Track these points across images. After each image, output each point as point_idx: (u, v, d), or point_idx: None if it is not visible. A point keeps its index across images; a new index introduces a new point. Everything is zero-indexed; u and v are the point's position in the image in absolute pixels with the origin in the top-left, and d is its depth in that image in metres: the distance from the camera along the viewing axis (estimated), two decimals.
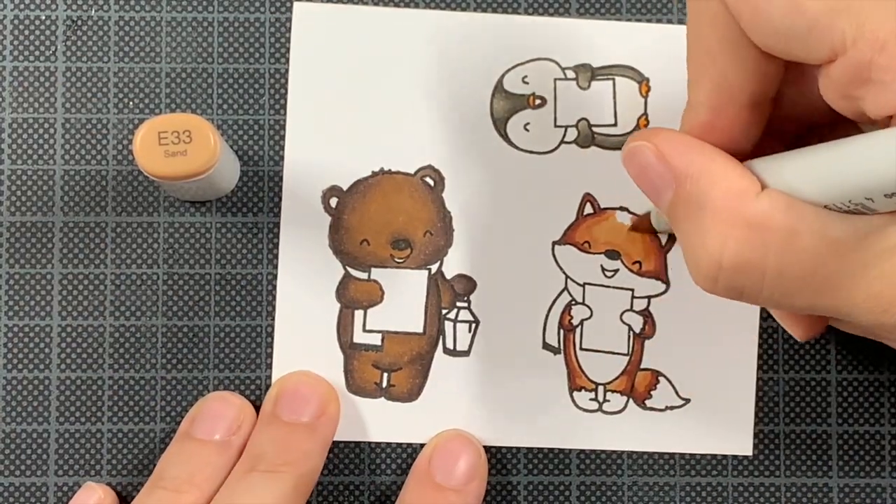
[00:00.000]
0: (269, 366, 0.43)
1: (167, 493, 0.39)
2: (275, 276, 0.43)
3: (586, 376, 0.43)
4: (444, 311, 0.43)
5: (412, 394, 0.43)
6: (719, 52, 0.32)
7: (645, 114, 0.43)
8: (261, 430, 0.41)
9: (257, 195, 0.43)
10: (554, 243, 0.43)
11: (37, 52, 0.43)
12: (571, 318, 0.43)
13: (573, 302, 0.43)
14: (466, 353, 0.43)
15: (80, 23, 0.43)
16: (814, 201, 0.31)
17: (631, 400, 0.43)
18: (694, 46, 0.33)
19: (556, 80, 0.43)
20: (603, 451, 0.43)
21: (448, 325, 0.43)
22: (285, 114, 0.43)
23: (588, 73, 0.43)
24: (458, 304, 0.43)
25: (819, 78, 0.31)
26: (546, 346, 0.43)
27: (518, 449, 0.43)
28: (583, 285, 0.43)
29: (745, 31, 0.31)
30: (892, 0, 0.29)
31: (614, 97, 0.43)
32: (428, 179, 0.43)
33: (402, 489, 0.42)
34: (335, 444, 0.43)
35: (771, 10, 0.30)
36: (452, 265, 0.43)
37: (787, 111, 0.34)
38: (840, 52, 0.29)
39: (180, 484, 0.39)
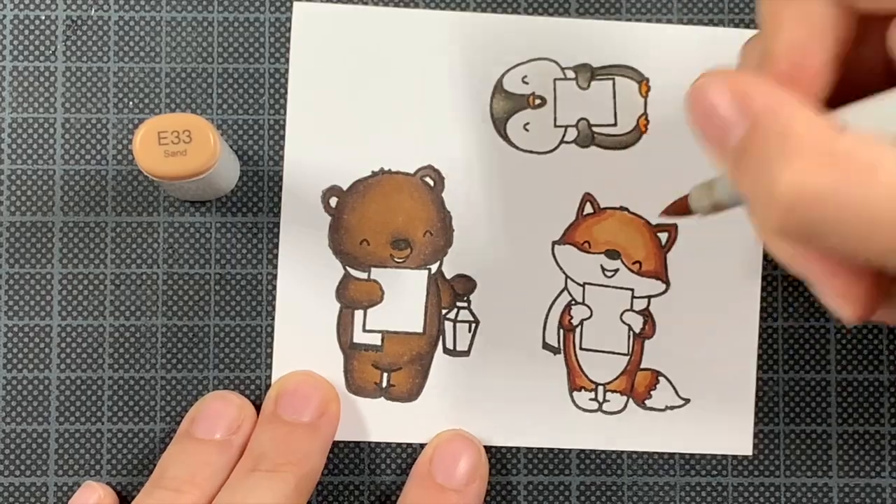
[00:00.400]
0: (269, 366, 0.43)
1: (168, 493, 0.39)
2: (275, 276, 0.43)
3: (586, 376, 0.43)
4: (444, 311, 0.43)
5: (412, 394, 0.43)
6: None
7: (645, 113, 0.43)
8: (262, 430, 0.41)
9: (257, 195, 0.43)
10: (554, 243, 0.43)
11: (37, 52, 0.43)
12: (571, 317, 0.43)
13: (573, 302, 0.43)
14: (466, 353, 0.43)
15: (80, 23, 0.43)
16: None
17: (631, 400, 0.43)
18: None
19: (555, 80, 0.43)
20: (603, 451, 0.43)
21: (448, 325, 0.43)
22: (285, 114, 0.43)
23: (588, 73, 0.43)
24: (458, 304, 0.43)
25: (889, 30, 0.29)
26: (546, 346, 0.43)
27: (518, 449, 0.43)
28: (583, 285, 0.43)
29: None
30: None
31: (614, 97, 0.43)
32: (428, 179, 0.43)
33: (402, 490, 0.42)
34: (335, 444, 0.43)
35: None
36: (452, 265, 0.43)
37: (845, 75, 0.33)
38: None
39: (181, 483, 0.39)
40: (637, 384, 0.43)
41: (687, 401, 0.43)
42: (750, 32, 0.43)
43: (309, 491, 0.41)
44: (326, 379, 0.42)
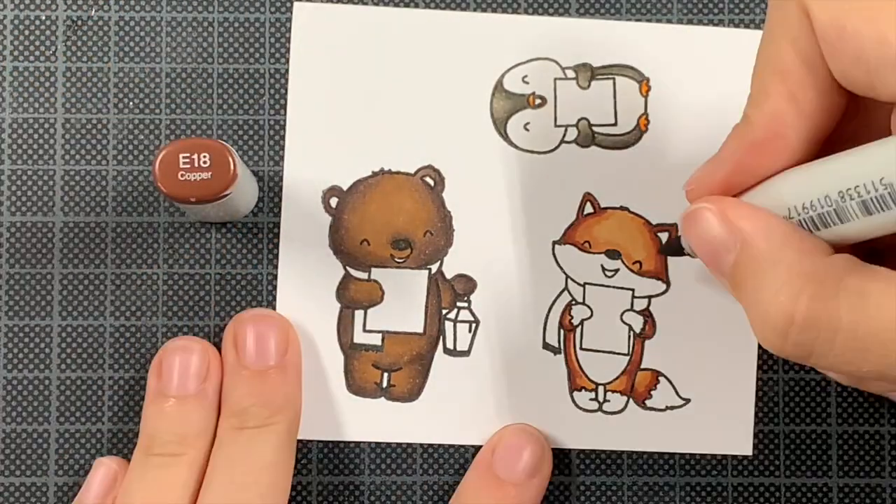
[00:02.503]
0: None
1: (164, 460, 0.40)
2: (275, 276, 0.43)
3: (586, 376, 0.43)
4: (444, 311, 0.43)
5: (412, 394, 0.43)
6: (793, 73, 0.31)
7: (645, 113, 0.43)
8: (234, 384, 0.41)
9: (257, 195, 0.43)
10: (554, 243, 0.43)
11: (37, 52, 0.43)
12: (572, 317, 0.43)
13: (573, 302, 0.43)
14: (466, 353, 0.43)
15: (80, 23, 0.43)
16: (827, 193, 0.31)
17: (631, 400, 0.43)
18: (765, 62, 0.32)
19: (556, 79, 0.43)
20: (603, 451, 0.43)
21: (448, 325, 0.43)
22: (285, 114, 0.43)
23: (588, 73, 0.43)
24: (459, 304, 0.43)
25: (893, 115, 0.30)
26: (546, 346, 0.43)
27: None
28: (583, 285, 0.43)
29: (825, 56, 0.30)
30: None
31: (614, 97, 0.43)
32: (428, 179, 0.43)
33: (462, 479, 0.42)
34: (335, 444, 0.43)
35: (857, 38, 0.29)
36: (452, 265, 0.43)
37: (836, 146, 0.33)
38: None
39: (174, 447, 0.40)
40: (637, 384, 0.43)
41: (687, 401, 0.43)
42: (750, 32, 0.43)
43: (298, 427, 0.41)
44: (272, 310, 0.42)
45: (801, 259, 0.31)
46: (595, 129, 0.43)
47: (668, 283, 0.43)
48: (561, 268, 0.43)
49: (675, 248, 0.39)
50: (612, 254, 0.43)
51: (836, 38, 0.30)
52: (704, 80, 0.43)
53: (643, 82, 0.43)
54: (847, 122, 0.33)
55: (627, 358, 0.43)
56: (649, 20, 0.43)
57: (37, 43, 0.43)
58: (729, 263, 0.33)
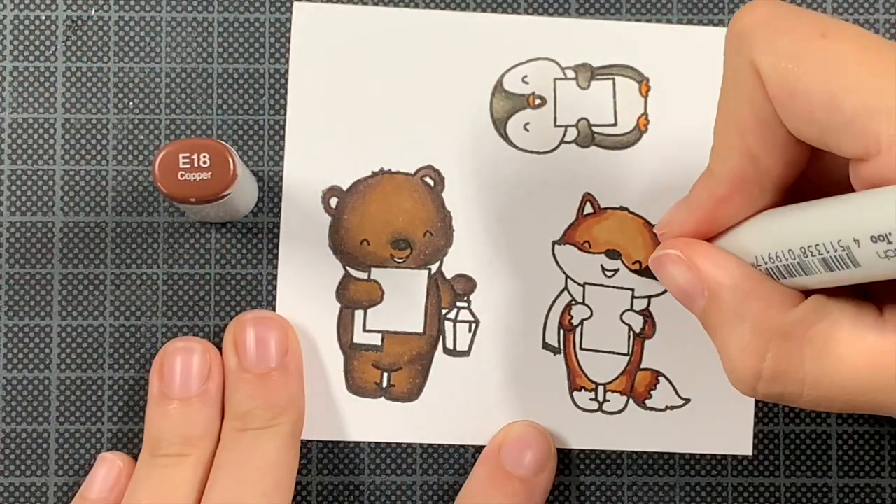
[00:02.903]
0: None
1: (169, 460, 0.40)
2: (275, 276, 0.43)
3: (586, 376, 0.43)
4: (444, 311, 0.43)
5: (412, 394, 0.43)
6: (751, 131, 0.32)
7: (645, 113, 0.43)
8: (236, 388, 0.41)
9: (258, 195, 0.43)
10: (554, 243, 0.43)
11: (37, 52, 0.43)
12: (571, 317, 0.43)
13: (573, 302, 0.43)
14: (466, 353, 0.43)
15: (80, 23, 0.43)
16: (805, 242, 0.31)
17: (631, 400, 0.43)
18: (724, 118, 0.33)
19: (556, 79, 0.43)
20: (603, 451, 0.43)
21: (448, 325, 0.43)
22: (285, 114, 0.43)
23: (588, 73, 0.43)
24: (458, 304, 0.43)
25: (850, 167, 0.30)
26: (546, 346, 0.43)
27: None
28: (583, 285, 0.43)
29: (779, 114, 0.31)
30: None
31: (614, 97, 0.43)
32: (428, 179, 0.43)
33: (470, 473, 0.42)
34: (335, 444, 0.43)
35: (809, 100, 0.30)
36: (452, 265, 0.43)
37: (804, 190, 0.34)
38: (874, 153, 0.29)
39: (179, 448, 0.40)
40: (637, 384, 0.43)
41: (687, 401, 0.43)
42: None
43: (301, 428, 0.42)
44: (270, 311, 0.42)
45: (767, 313, 0.32)
46: (595, 129, 0.43)
47: None
48: (561, 268, 0.43)
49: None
50: (612, 254, 0.43)
51: (787, 98, 0.30)
52: (704, 80, 0.43)
53: (643, 82, 0.43)
54: (812, 165, 0.33)
55: (627, 358, 0.43)
56: (649, 20, 0.43)
57: (37, 43, 0.43)
58: (699, 309, 0.34)
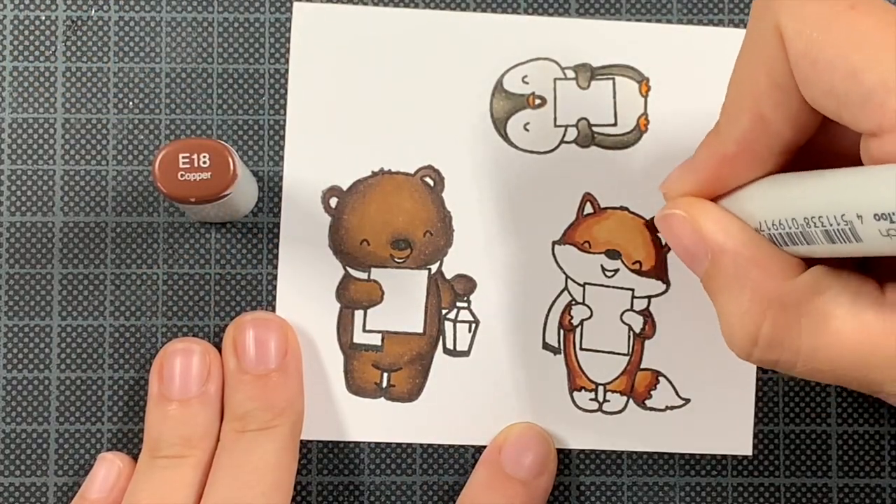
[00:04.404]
0: None
1: (169, 461, 0.40)
2: (275, 276, 0.43)
3: (586, 376, 0.43)
4: (444, 311, 0.43)
5: (412, 394, 0.43)
6: (766, 93, 0.32)
7: (645, 113, 0.43)
8: (235, 389, 0.41)
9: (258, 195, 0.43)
10: (554, 243, 0.43)
11: (37, 52, 0.43)
12: (571, 317, 0.43)
13: (573, 302, 0.43)
14: (466, 353, 0.43)
15: (80, 23, 0.43)
16: (803, 213, 0.31)
17: (631, 400, 0.43)
18: (740, 80, 0.33)
19: (555, 79, 0.43)
20: (603, 451, 0.43)
21: (448, 325, 0.43)
22: (285, 114, 0.43)
23: (588, 73, 0.43)
24: (458, 304, 0.43)
25: (861, 142, 0.30)
26: (546, 346, 0.43)
27: None
28: (583, 285, 0.43)
29: (798, 82, 0.31)
30: None
31: (614, 97, 0.43)
32: (428, 179, 0.43)
33: (470, 475, 0.42)
34: (335, 444, 0.43)
35: (830, 70, 0.29)
36: (452, 265, 0.43)
37: (811, 156, 0.34)
38: (887, 129, 0.29)
39: (179, 450, 0.40)
40: (637, 384, 0.43)
41: (687, 401, 0.43)
42: None
43: (300, 429, 0.42)
44: (270, 312, 0.42)
45: (767, 281, 0.32)
46: (595, 129, 0.43)
47: (667, 283, 0.43)
48: (561, 268, 0.43)
49: None
50: (612, 254, 0.43)
51: (808, 67, 0.30)
52: (704, 80, 0.43)
53: (643, 82, 0.43)
54: (821, 134, 0.33)
55: (627, 358, 0.43)
56: (649, 20, 0.43)
57: (37, 43, 0.43)
58: (701, 270, 0.34)
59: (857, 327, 0.31)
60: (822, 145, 0.34)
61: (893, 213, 0.28)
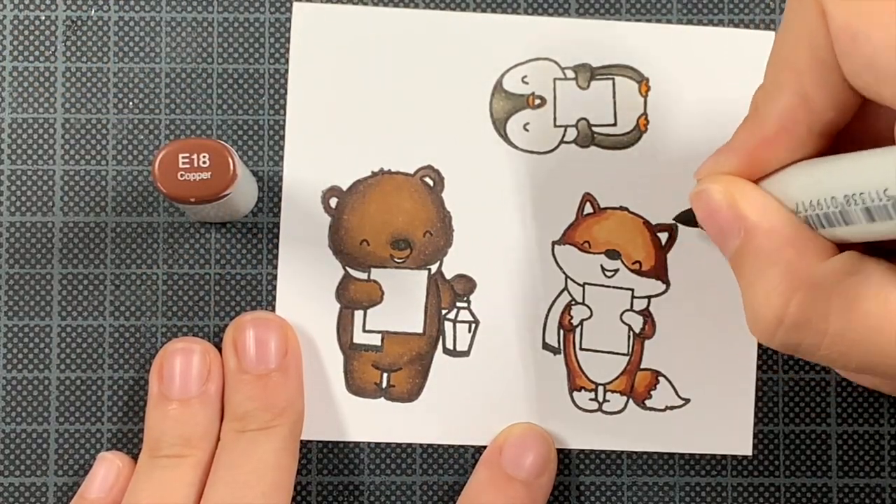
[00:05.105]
0: None
1: (169, 461, 0.40)
2: (275, 276, 0.43)
3: (586, 376, 0.43)
4: (444, 312, 0.43)
5: (412, 394, 0.43)
6: (807, 71, 0.31)
7: (644, 113, 0.43)
8: (237, 389, 0.41)
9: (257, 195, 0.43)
10: (554, 243, 0.43)
11: (37, 52, 0.43)
12: (571, 318, 0.43)
13: (573, 302, 0.43)
14: (466, 353, 0.43)
15: (80, 23, 0.43)
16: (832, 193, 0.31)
17: (631, 400, 0.43)
18: (780, 57, 0.32)
19: (555, 79, 0.43)
20: (603, 451, 0.43)
21: (448, 325, 0.43)
22: (285, 114, 0.43)
23: (588, 73, 0.43)
24: (458, 304, 0.43)
25: None
26: (546, 346, 0.43)
27: None
28: (583, 285, 0.43)
29: (838, 57, 0.30)
30: None
31: (614, 97, 0.43)
32: (428, 179, 0.43)
33: (471, 475, 0.42)
34: (335, 444, 0.43)
35: (869, 44, 0.29)
36: (452, 265, 0.43)
37: (849, 142, 0.34)
38: None
39: (179, 449, 0.40)
40: (637, 384, 0.43)
41: (687, 401, 0.43)
42: (749, 32, 0.43)
43: (300, 430, 0.42)
44: (270, 312, 0.42)
45: (800, 261, 0.32)
46: (595, 129, 0.43)
47: (667, 283, 0.43)
48: (561, 268, 0.43)
49: (689, 217, 0.39)
50: (612, 254, 0.43)
51: (849, 41, 0.30)
52: (704, 80, 0.43)
53: (643, 82, 0.43)
54: (861, 118, 0.33)
55: (627, 358, 0.43)
56: (649, 20, 0.43)
57: (36, 43, 0.43)
58: (733, 247, 0.33)
59: (887, 311, 0.30)
60: (860, 131, 0.33)
61: None
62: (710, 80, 0.43)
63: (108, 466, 0.41)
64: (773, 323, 0.32)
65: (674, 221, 0.42)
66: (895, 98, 0.29)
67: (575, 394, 0.43)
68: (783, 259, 0.32)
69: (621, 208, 0.43)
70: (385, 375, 0.43)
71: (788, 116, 0.32)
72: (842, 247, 0.32)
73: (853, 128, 0.33)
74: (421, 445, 0.43)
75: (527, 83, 0.43)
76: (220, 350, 0.42)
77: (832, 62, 0.31)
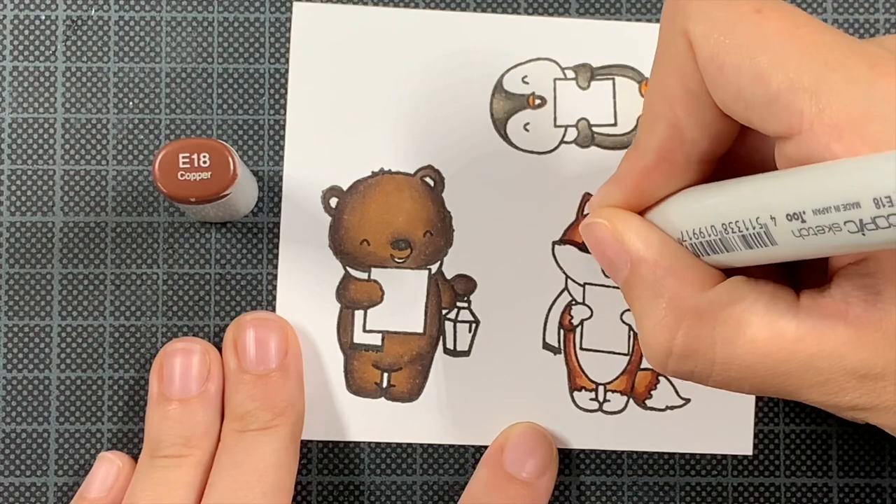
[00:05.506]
0: None
1: (169, 461, 0.40)
2: (275, 276, 0.43)
3: (586, 376, 0.43)
4: (444, 311, 0.43)
5: (412, 394, 0.43)
6: (679, 102, 0.32)
7: None
8: (236, 389, 0.41)
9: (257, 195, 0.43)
10: (554, 243, 0.43)
11: (37, 52, 0.43)
12: (571, 317, 0.43)
13: (573, 302, 0.43)
14: (466, 353, 0.43)
15: (80, 23, 0.43)
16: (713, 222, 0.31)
17: (631, 400, 0.43)
18: (654, 88, 0.33)
19: (555, 79, 0.43)
20: (603, 451, 0.43)
21: (448, 325, 0.43)
22: (285, 114, 0.43)
23: (588, 73, 0.43)
24: (459, 304, 0.43)
25: (775, 146, 0.30)
26: (546, 346, 0.43)
27: None
28: (583, 285, 0.43)
29: (708, 88, 0.31)
30: (859, 85, 0.28)
31: (614, 97, 0.43)
32: (428, 179, 0.43)
33: (472, 475, 0.42)
34: (335, 444, 0.43)
35: (736, 74, 0.29)
36: (452, 265, 0.43)
37: (732, 165, 0.34)
38: (796, 131, 0.28)
39: (179, 449, 0.40)
40: (637, 384, 0.43)
41: (687, 401, 0.43)
42: None
43: (301, 430, 0.42)
44: (270, 312, 0.42)
45: (683, 291, 0.32)
46: (595, 129, 0.43)
47: None
48: (561, 268, 0.43)
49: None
50: None
51: (716, 71, 0.30)
52: None
53: (643, 82, 0.43)
54: (740, 143, 0.33)
55: (627, 358, 0.43)
56: (649, 20, 0.43)
57: (37, 43, 0.43)
58: (621, 279, 0.34)
59: (772, 335, 0.30)
60: (743, 155, 0.34)
61: (804, 213, 0.28)
62: None
63: (108, 466, 0.41)
64: (663, 353, 0.32)
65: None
66: (765, 124, 0.30)
67: (575, 394, 0.43)
68: (667, 290, 0.32)
69: None
70: (385, 375, 0.43)
71: (665, 147, 0.33)
72: (730, 271, 0.32)
73: (739, 151, 0.33)
74: (421, 445, 0.43)
75: (527, 83, 0.43)
76: (220, 350, 0.42)
77: (703, 92, 0.31)
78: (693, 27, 0.30)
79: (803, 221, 0.28)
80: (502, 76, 0.43)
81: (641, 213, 0.35)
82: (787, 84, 0.28)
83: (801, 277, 0.34)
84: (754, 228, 0.30)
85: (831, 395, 0.31)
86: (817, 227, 0.28)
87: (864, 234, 0.27)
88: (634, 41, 0.43)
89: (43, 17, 0.43)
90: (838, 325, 0.30)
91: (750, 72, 0.29)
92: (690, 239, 0.32)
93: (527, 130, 0.43)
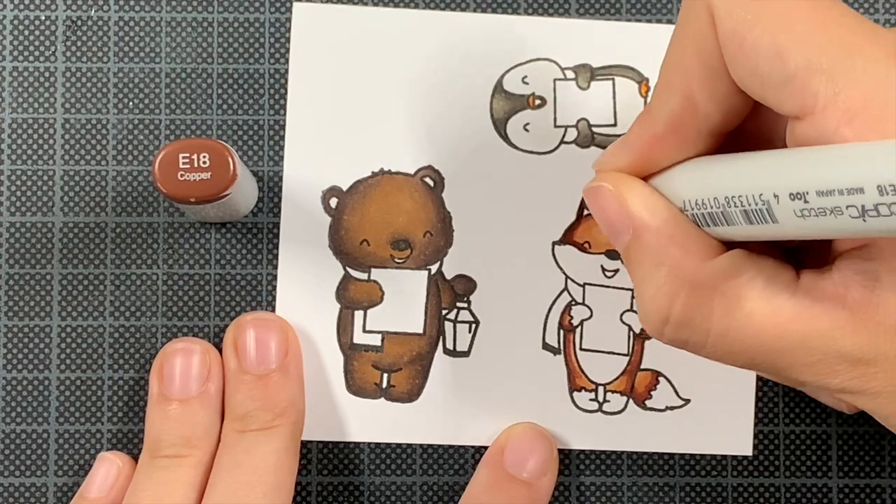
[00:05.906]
0: None
1: (170, 461, 0.40)
2: (275, 276, 0.43)
3: (586, 376, 0.43)
4: (444, 312, 0.43)
5: (412, 394, 0.43)
6: (695, 74, 0.32)
7: None
8: (236, 390, 0.41)
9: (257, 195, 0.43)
10: (554, 243, 0.43)
11: (37, 52, 0.43)
12: (571, 318, 0.43)
13: (573, 302, 0.43)
14: (466, 354, 0.43)
15: (80, 23, 0.43)
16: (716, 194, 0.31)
17: (631, 400, 0.43)
18: (671, 58, 0.33)
19: (555, 80, 0.43)
20: (603, 451, 0.43)
21: (448, 326, 0.43)
22: (285, 114, 0.43)
23: (588, 73, 0.43)
24: (458, 304, 0.43)
25: (787, 125, 0.30)
26: (546, 346, 0.43)
27: None
28: (583, 285, 0.43)
29: (727, 63, 0.31)
30: (876, 71, 0.28)
31: (614, 97, 0.43)
32: (428, 179, 0.43)
33: (473, 475, 0.42)
34: (335, 444, 0.43)
35: (755, 51, 0.30)
36: (452, 265, 0.43)
37: (741, 140, 0.34)
38: (809, 112, 0.29)
39: (179, 449, 0.40)
40: (637, 384, 0.43)
41: (687, 401, 0.43)
42: None
43: (301, 430, 0.42)
44: (270, 312, 0.42)
45: (684, 260, 0.32)
46: (595, 129, 0.43)
47: None
48: (561, 268, 0.43)
49: None
50: (612, 254, 0.43)
51: (736, 48, 0.30)
52: None
53: (643, 83, 0.43)
54: (752, 118, 0.33)
55: (627, 358, 0.43)
56: (649, 20, 0.43)
57: (36, 43, 0.43)
58: (623, 244, 0.34)
59: (769, 311, 0.31)
60: (754, 131, 0.34)
61: (807, 193, 0.28)
62: None
63: (108, 466, 0.41)
64: (659, 320, 0.32)
65: None
66: (779, 103, 0.30)
67: (575, 394, 0.43)
68: (669, 258, 0.32)
69: None
70: (385, 376, 0.43)
71: (677, 117, 0.33)
72: (731, 244, 0.32)
73: (750, 126, 0.33)
74: (421, 445, 0.43)
75: (527, 83, 0.43)
76: (220, 350, 0.42)
77: (720, 68, 0.31)
78: (717, 2, 0.30)
79: (806, 202, 0.28)
80: (502, 76, 0.43)
81: (645, 178, 0.35)
82: (805, 65, 0.29)
83: (802, 257, 0.34)
84: (757, 205, 0.30)
85: (822, 376, 0.31)
86: (819, 209, 0.28)
87: (864, 220, 0.27)
88: (634, 41, 0.43)
89: (43, 18, 0.43)
90: (836, 307, 0.30)
91: (769, 50, 0.29)
92: (692, 209, 0.32)
93: (527, 131, 0.43)
